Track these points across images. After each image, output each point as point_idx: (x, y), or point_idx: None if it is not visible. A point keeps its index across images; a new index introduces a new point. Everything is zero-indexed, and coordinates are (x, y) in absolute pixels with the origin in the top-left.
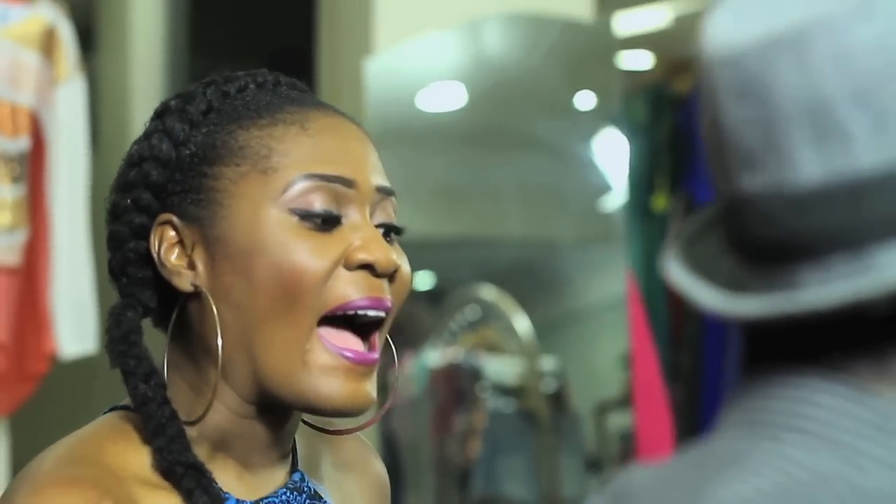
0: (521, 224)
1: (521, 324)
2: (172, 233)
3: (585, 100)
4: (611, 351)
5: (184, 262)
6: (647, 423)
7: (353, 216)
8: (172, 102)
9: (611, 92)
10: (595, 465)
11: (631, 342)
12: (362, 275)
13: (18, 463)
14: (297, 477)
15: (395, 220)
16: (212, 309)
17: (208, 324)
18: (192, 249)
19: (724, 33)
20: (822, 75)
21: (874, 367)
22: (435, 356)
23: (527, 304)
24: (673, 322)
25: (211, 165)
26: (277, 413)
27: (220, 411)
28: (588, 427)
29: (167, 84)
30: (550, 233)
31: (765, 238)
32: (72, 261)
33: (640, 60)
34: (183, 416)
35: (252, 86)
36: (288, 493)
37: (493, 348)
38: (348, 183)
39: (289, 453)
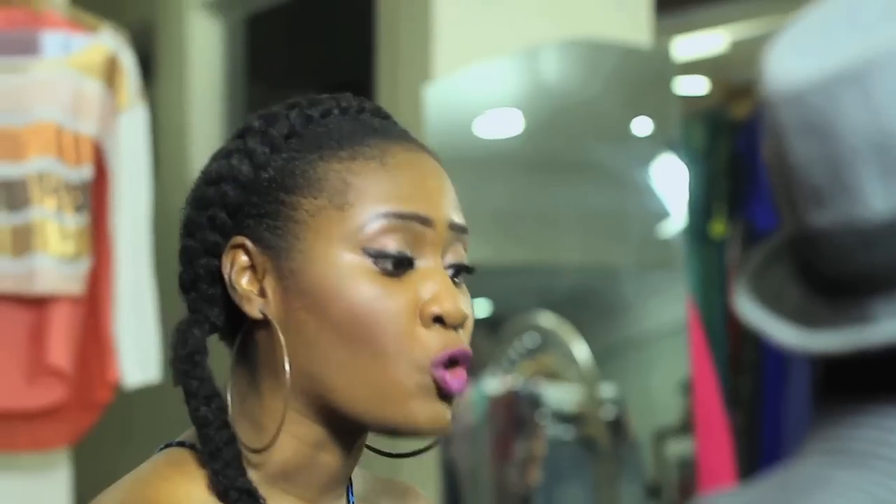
0: (579, 250)
1: (580, 351)
2: (245, 257)
3: (643, 125)
4: (670, 377)
5: (255, 288)
6: (707, 450)
7: (427, 259)
8: (256, 123)
9: (668, 117)
10: (655, 493)
11: (691, 368)
12: (437, 330)
13: (81, 493)
14: None
15: (465, 260)
16: (280, 339)
17: (276, 352)
18: (264, 276)
19: (784, 70)
20: (887, 110)
21: None
22: (494, 384)
23: (586, 330)
24: (732, 348)
25: (289, 193)
26: (344, 441)
27: (285, 441)
28: (647, 454)
29: (226, 113)
30: (609, 259)
31: (835, 272)
32: (135, 289)
33: (697, 86)
34: (244, 450)
35: (336, 111)
36: None
37: (552, 375)
38: (425, 221)
39: (345, 492)
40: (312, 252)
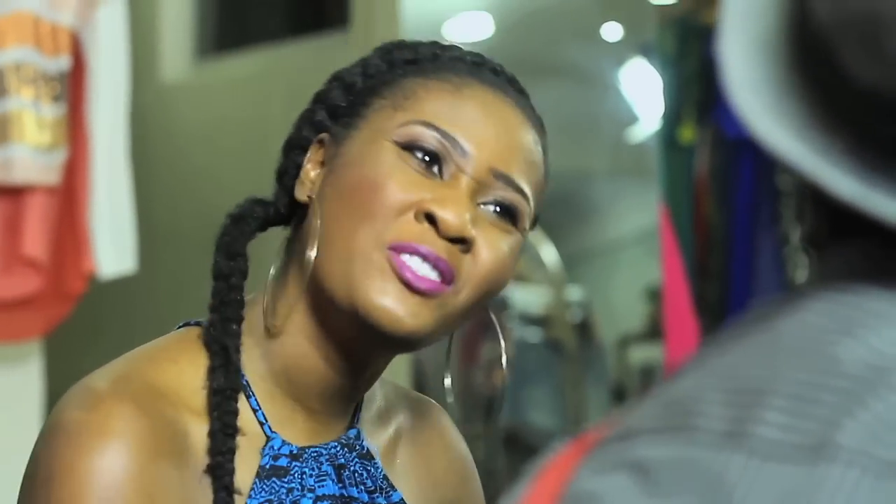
0: (550, 154)
1: (549, 254)
2: (322, 150)
3: (615, 30)
4: (636, 284)
5: (312, 175)
6: (676, 356)
7: (455, 182)
8: (392, 44)
9: (641, 22)
10: (619, 396)
11: (663, 274)
12: (426, 228)
13: (53, 385)
14: (352, 433)
15: (510, 203)
16: (311, 218)
17: (305, 235)
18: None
19: None
20: None
21: None
22: None
23: (554, 234)
24: (699, 254)
25: (370, 96)
26: (343, 353)
27: (290, 331)
28: (611, 359)
29: (197, 10)
30: (580, 163)
31: None
32: (111, 180)
33: None
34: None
35: (461, 62)
36: (338, 448)
37: (519, 278)
38: (461, 150)
39: (352, 411)
40: (357, 139)
